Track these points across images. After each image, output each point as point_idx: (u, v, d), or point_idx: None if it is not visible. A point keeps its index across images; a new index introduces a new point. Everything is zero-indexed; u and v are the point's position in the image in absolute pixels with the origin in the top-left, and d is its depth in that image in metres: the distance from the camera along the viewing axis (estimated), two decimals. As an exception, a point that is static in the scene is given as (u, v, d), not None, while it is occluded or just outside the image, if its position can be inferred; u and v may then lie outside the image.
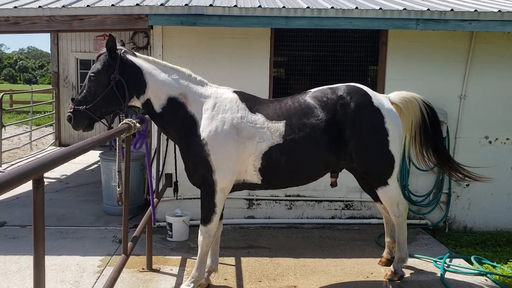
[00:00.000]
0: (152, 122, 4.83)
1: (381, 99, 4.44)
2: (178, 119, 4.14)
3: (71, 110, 4.00)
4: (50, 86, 14.43)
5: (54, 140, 13.12)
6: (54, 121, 13.43)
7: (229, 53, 6.19)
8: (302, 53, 6.64)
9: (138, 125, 3.74)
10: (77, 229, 6.05)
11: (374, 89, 4.96)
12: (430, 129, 4.69)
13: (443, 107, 6.23)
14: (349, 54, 6.59)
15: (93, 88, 4.01)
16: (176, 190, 6.13)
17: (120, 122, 5.48)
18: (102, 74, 4.01)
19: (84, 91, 4.04)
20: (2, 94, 11.19)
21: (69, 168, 9.98)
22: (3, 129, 10.36)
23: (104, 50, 4.07)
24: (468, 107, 6.39)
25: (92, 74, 4.02)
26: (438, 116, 4.80)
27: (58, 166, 2.11)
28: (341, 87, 4.40)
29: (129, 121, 3.63)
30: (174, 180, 6.14)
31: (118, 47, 4.07)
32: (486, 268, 5.10)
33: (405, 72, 6.30)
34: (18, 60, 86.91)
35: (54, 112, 13.51)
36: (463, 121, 6.41)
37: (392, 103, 4.57)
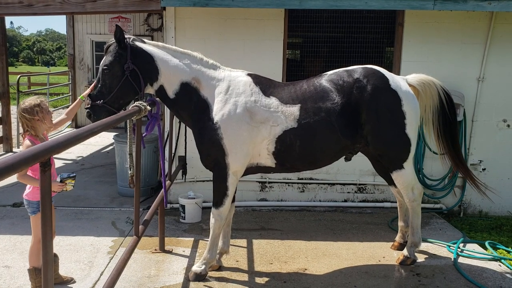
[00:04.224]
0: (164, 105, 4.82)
1: (398, 81, 4.35)
2: (192, 104, 4.13)
3: (89, 106, 3.98)
4: (66, 68, 14.55)
5: (70, 122, 13.27)
6: (70, 103, 13.56)
7: (242, 35, 6.12)
8: (317, 35, 6.54)
9: (148, 107, 3.73)
10: (92, 210, 6.13)
11: (390, 71, 4.86)
12: (446, 116, 4.60)
13: (460, 89, 6.10)
14: (365, 35, 6.47)
15: (108, 81, 3.99)
16: (184, 172, 6.16)
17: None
18: (115, 66, 3.98)
19: (99, 85, 4.02)
20: (19, 76, 11.31)
21: (85, 149, 10.10)
22: (20, 111, 10.48)
23: (111, 41, 4.05)
24: (486, 90, 6.25)
25: (105, 67, 3.98)
26: (455, 99, 4.71)
27: (66, 149, 2.12)
28: (357, 70, 4.32)
29: (140, 104, 3.62)
30: (183, 162, 6.17)
31: (126, 36, 4.04)
32: (500, 254, 5.04)
33: (421, 53, 6.17)
34: (36, 42, 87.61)
35: (70, 94, 13.65)
36: (481, 104, 6.27)
37: (410, 85, 4.48)
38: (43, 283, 1.99)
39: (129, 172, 3.55)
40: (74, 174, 3.54)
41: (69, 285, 4.10)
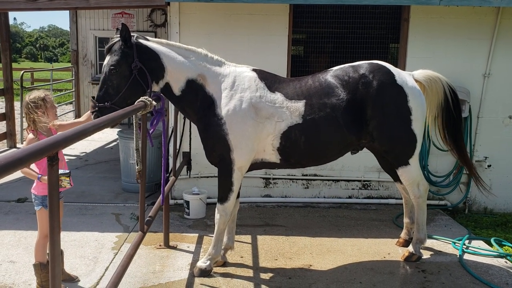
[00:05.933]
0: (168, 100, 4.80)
1: (404, 77, 4.33)
2: (197, 101, 4.11)
3: (96, 109, 3.90)
4: (69, 64, 14.55)
5: (74, 118, 13.28)
6: (73, 99, 13.57)
7: (247, 30, 6.09)
8: (322, 30, 6.50)
9: (154, 103, 3.71)
10: (96, 205, 6.14)
11: (395, 66, 4.83)
12: (451, 113, 4.58)
13: (466, 85, 6.07)
14: (370, 31, 6.44)
15: (116, 81, 3.92)
16: (189, 168, 6.16)
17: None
18: (123, 65, 3.92)
19: (105, 86, 3.94)
20: (23, 72, 11.32)
21: (89, 145, 10.10)
22: (24, 106, 10.47)
23: (114, 40, 3.99)
24: (492, 86, 6.21)
25: (112, 67, 3.90)
26: (460, 95, 4.68)
27: (73, 143, 2.11)
28: (363, 65, 4.30)
29: (145, 99, 3.60)
30: (188, 158, 6.15)
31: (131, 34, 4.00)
32: (506, 250, 5.02)
33: (427, 49, 6.13)
34: (39, 39, 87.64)
35: (73, 90, 13.65)
36: (486, 100, 6.24)
37: (416, 81, 4.46)
38: (51, 278, 1.98)
39: (136, 167, 3.54)
40: (69, 171, 3.52)
41: (74, 281, 4.10)
